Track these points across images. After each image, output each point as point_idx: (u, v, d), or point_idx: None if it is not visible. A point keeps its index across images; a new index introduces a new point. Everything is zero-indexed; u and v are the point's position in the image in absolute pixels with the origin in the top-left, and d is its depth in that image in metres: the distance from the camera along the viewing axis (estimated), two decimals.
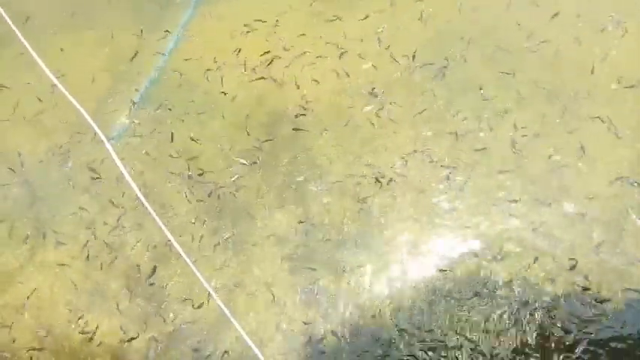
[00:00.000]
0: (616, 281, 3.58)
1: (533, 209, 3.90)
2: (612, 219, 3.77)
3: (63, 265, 4.17)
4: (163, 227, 2.95)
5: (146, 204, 2.91)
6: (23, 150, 4.72)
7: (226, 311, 2.90)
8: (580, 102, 4.22)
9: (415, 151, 4.24)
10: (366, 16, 4.94)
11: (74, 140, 4.69)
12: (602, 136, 4.08)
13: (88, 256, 4.18)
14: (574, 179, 3.95)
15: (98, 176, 4.47)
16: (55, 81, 2.96)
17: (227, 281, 3.96)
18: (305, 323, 3.75)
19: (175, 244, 2.94)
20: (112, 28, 5.31)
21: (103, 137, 2.98)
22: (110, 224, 4.28)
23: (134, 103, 4.83)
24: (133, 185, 2.92)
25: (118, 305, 3.99)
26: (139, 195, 2.95)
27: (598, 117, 4.13)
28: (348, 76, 4.66)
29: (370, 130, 4.40)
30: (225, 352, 3.73)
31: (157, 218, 2.93)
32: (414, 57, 4.63)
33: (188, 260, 2.95)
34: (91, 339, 3.92)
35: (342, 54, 4.79)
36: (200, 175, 4.40)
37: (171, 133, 4.61)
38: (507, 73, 4.42)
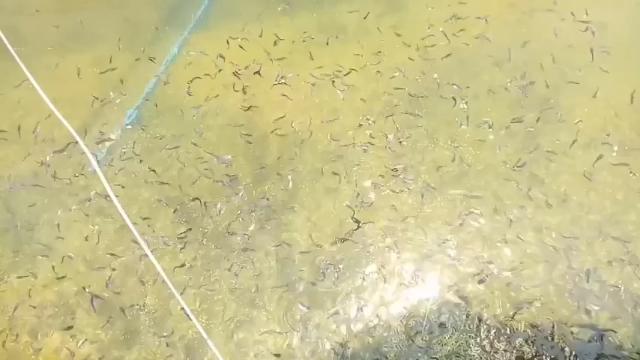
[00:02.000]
0: None
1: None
2: None
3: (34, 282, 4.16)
4: (145, 247, 3.00)
5: (130, 225, 2.97)
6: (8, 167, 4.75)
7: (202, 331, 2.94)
8: None
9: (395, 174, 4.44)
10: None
11: (60, 159, 4.75)
12: None
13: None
14: None
15: (87, 197, 4.53)
16: (48, 102, 3.04)
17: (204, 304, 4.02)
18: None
19: (159, 269, 2.99)
20: (105, 50, 5.47)
21: (92, 159, 3.06)
22: (90, 243, 4.32)
23: (122, 125, 4.93)
24: (119, 206, 2.99)
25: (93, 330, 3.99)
26: (124, 216, 3.01)
27: None
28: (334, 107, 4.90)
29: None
30: None
31: (138, 237, 2.99)
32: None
33: (167, 280, 3.00)
34: None
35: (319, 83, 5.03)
36: (184, 198, 4.49)
37: (156, 157, 4.72)
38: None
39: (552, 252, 4.00)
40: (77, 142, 3.18)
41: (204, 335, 2.96)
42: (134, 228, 3.02)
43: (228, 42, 5.40)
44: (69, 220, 4.43)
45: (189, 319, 3.07)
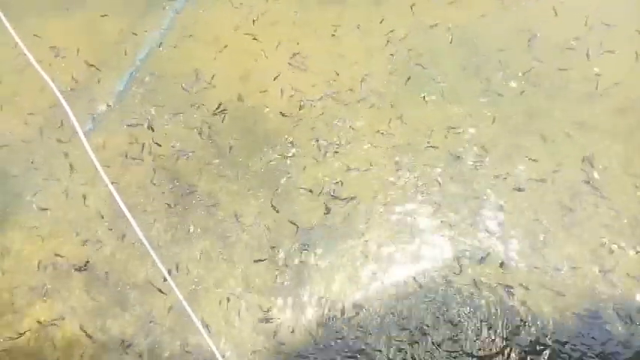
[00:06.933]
0: None
1: None
2: None
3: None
4: (133, 222, 2.92)
5: (118, 199, 2.88)
6: None
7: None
8: None
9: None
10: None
11: (48, 126, 4.67)
12: None
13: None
14: None
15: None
16: (36, 65, 2.92)
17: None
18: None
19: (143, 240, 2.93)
20: (99, 13, 5.26)
21: (78, 128, 2.96)
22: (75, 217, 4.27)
23: (114, 92, 4.80)
24: (106, 179, 2.91)
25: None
26: (111, 188, 2.92)
27: None
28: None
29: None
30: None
31: (128, 214, 2.91)
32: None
33: (155, 256, 2.95)
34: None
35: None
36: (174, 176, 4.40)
37: (151, 127, 4.60)
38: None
39: None
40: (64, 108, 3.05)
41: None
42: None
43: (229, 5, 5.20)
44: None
45: None
